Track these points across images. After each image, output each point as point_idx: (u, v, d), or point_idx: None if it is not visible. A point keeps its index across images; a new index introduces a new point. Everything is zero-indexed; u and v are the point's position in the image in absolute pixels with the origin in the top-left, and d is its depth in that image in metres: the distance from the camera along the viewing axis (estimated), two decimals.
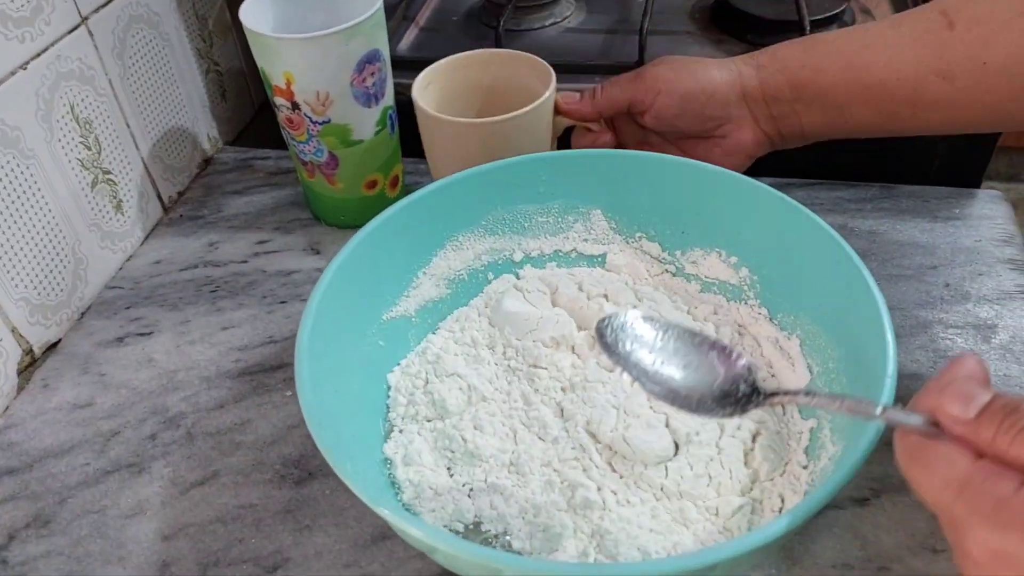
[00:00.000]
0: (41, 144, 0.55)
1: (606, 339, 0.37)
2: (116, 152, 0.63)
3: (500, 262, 0.56)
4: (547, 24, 0.77)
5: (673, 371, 0.37)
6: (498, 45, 0.70)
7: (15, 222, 0.54)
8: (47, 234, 0.56)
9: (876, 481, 0.46)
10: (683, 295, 0.54)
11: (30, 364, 0.56)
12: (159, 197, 0.68)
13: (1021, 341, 0.53)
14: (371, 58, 0.56)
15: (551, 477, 0.44)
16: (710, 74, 0.55)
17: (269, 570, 0.44)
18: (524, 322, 0.51)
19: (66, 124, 0.57)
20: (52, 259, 0.57)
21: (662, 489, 0.43)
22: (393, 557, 0.44)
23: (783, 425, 0.46)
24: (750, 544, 0.33)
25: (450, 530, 0.43)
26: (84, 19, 0.58)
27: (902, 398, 0.33)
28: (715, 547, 0.34)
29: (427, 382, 0.50)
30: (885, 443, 0.37)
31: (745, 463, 0.44)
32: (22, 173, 0.54)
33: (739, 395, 0.36)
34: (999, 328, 0.54)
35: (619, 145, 0.59)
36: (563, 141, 0.61)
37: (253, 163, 0.74)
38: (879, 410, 0.31)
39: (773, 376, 0.49)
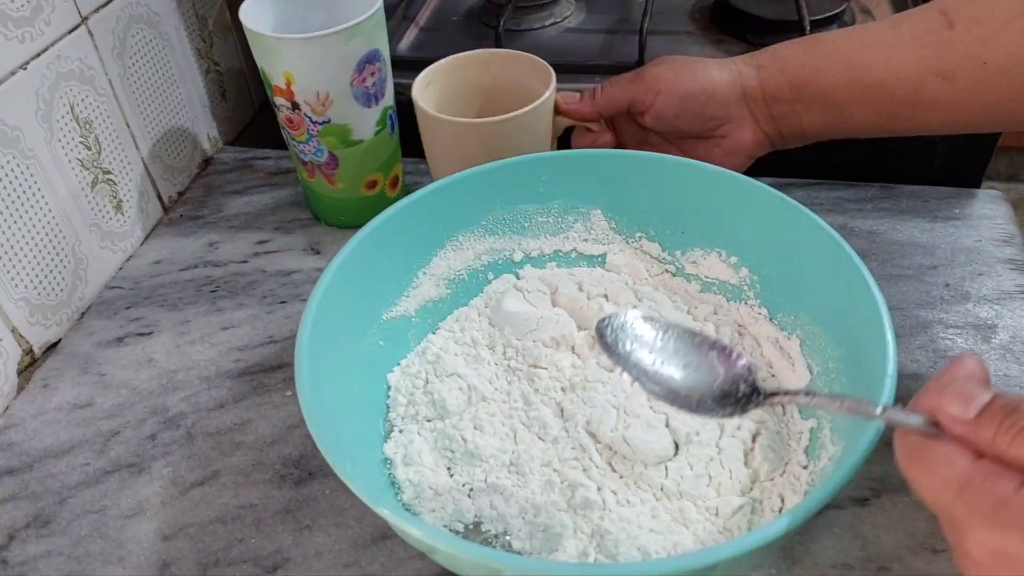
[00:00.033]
0: (41, 144, 0.55)
1: (606, 339, 0.37)
2: (116, 152, 0.63)
3: (500, 262, 0.56)
4: (547, 24, 0.77)
5: (673, 371, 0.37)
6: (498, 45, 0.70)
7: (15, 222, 0.54)
8: (47, 234, 0.56)
9: (876, 481, 0.46)
10: (683, 295, 0.54)
11: (30, 364, 0.56)
12: (159, 197, 0.68)
13: (1021, 341, 0.53)
14: (371, 58, 0.56)
15: (551, 477, 0.44)
16: (710, 74, 0.55)
17: (269, 570, 0.44)
18: (524, 322, 0.51)
19: (66, 124, 0.57)
20: (52, 259, 0.57)
21: (662, 489, 0.43)
22: (393, 557, 0.44)
23: (783, 425, 0.46)
24: (750, 544, 0.33)
25: (450, 530, 0.43)
26: (84, 19, 0.58)
27: (902, 398, 0.33)
28: (715, 547, 0.34)
29: (427, 382, 0.50)
30: (885, 443, 0.37)
31: (745, 463, 0.44)
32: (22, 173, 0.54)
33: (739, 395, 0.36)
34: (999, 328, 0.54)
35: (619, 145, 0.59)
36: (563, 141, 0.61)
37: (253, 163, 0.74)
38: (879, 410, 0.31)
39: (773, 376, 0.49)
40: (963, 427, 0.28)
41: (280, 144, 0.65)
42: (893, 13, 0.72)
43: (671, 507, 0.42)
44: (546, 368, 0.49)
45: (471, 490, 0.44)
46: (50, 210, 0.56)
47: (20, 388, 0.55)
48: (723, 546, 0.34)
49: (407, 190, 0.66)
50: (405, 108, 0.60)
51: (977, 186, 0.67)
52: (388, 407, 0.49)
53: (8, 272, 0.53)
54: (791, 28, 0.68)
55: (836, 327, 0.45)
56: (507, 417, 0.47)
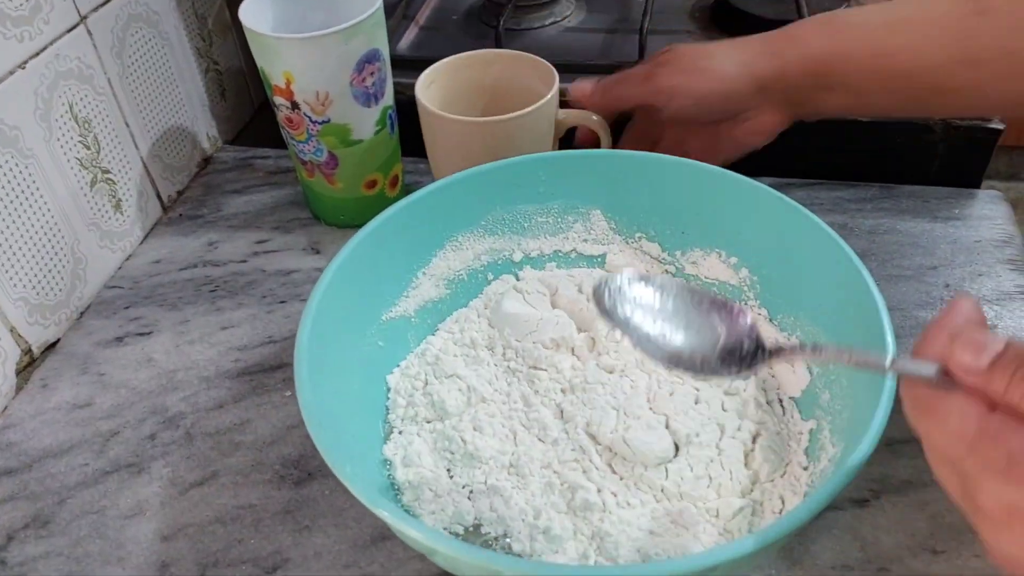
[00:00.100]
0: (40, 143, 0.55)
1: (604, 304, 0.36)
2: (115, 151, 0.63)
3: (500, 262, 0.55)
4: (547, 23, 0.77)
5: (675, 333, 0.35)
6: (498, 44, 0.70)
7: (14, 222, 0.54)
8: (46, 233, 0.56)
9: (876, 482, 0.46)
10: None
11: (29, 364, 0.56)
12: (158, 196, 0.68)
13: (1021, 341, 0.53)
14: (371, 58, 0.56)
15: (551, 479, 0.44)
16: (723, 71, 0.53)
17: (268, 571, 0.44)
18: (524, 323, 0.51)
19: (65, 123, 0.57)
20: (51, 259, 0.57)
21: (662, 491, 0.43)
22: (393, 558, 0.44)
23: (783, 426, 0.46)
24: (750, 546, 0.33)
25: (450, 532, 0.43)
26: (83, 18, 0.58)
27: (902, 398, 0.33)
28: (715, 549, 0.34)
29: (427, 383, 0.50)
30: (885, 443, 0.37)
31: (745, 464, 0.44)
32: (21, 172, 0.54)
33: (743, 353, 0.34)
34: (999, 328, 0.54)
35: (636, 133, 0.59)
36: (564, 142, 0.61)
37: (253, 162, 0.73)
38: (888, 361, 0.30)
39: (773, 377, 0.48)
40: (975, 377, 0.27)
41: (280, 143, 0.64)
42: None
43: (671, 509, 0.42)
44: (546, 369, 0.49)
45: (471, 492, 0.44)
46: (49, 209, 0.56)
47: (19, 388, 0.55)
48: (723, 548, 0.34)
49: (407, 190, 0.66)
50: (405, 108, 0.60)
51: (977, 186, 0.67)
52: (388, 408, 0.49)
53: (7, 272, 0.53)
54: None
55: (836, 328, 0.45)
56: (507, 419, 0.47)
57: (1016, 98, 0.49)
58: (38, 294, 0.56)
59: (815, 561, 0.43)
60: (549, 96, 0.56)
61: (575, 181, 0.54)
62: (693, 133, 0.57)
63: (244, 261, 0.63)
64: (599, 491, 0.43)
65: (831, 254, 0.45)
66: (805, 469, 0.43)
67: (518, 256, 0.56)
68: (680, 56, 0.55)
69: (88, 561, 0.45)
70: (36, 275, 0.56)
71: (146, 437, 0.51)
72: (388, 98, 0.60)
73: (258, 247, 0.64)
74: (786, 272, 0.49)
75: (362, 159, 0.60)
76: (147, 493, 0.48)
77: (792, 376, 0.48)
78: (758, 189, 0.49)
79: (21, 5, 0.53)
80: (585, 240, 0.56)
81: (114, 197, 0.63)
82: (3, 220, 0.53)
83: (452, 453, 0.46)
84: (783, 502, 0.42)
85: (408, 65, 0.62)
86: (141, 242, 0.66)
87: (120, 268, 0.64)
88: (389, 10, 0.60)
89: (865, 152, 0.67)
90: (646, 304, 0.36)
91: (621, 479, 0.44)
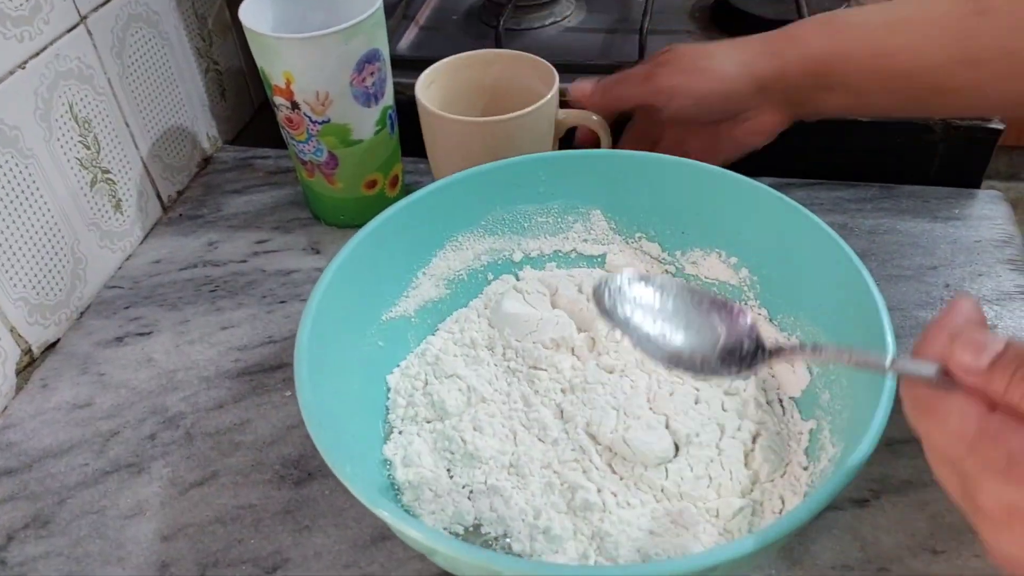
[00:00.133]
0: (40, 143, 0.55)
1: (604, 304, 0.35)
2: (115, 151, 0.63)
3: (500, 262, 0.55)
4: (547, 23, 0.77)
5: (675, 333, 0.35)
6: (498, 44, 0.70)
7: (13, 222, 0.54)
8: (46, 233, 0.56)
9: (876, 482, 0.46)
10: None
11: (29, 364, 0.56)
12: (158, 196, 0.68)
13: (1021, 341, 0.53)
14: (371, 57, 0.56)
15: (551, 479, 0.44)
16: (723, 71, 0.53)
17: (268, 571, 0.44)
18: (524, 323, 0.51)
19: (65, 123, 0.57)
20: (51, 259, 0.57)
21: (662, 490, 0.43)
22: (393, 558, 0.44)
23: (783, 426, 0.46)
24: (750, 547, 0.33)
25: (450, 532, 0.43)
26: (83, 18, 0.58)
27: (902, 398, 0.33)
28: (715, 549, 0.34)
29: (426, 383, 0.49)
30: (885, 444, 0.37)
31: (745, 464, 0.44)
32: (21, 172, 0.54)
33: (743, 353, 0.34)
34: (999, 329, 0.54)
35: (635, 131, 0.59)
36: (564, 142, 0.61)
37: (253, 162, 0.73)
38: (888, 361, 0.30)
39: (773, 377, 0.48)
40: (975, 377, 0.27)
41: (280, 143, 0.64)
42: None
43: (671, 509, 0.42)
44: (546, 369, 0.49)
45: (471, 492, 0.44)
46: (49, 209, 0.56)
47: (19, 388, 0.55)
48: (723, 548, 0.34)
49: (407, 190, 0.66)
50: (405, 107, 0.60)
51: (977, 186, 0.67)
52: (388, 408, 0.49)
53: (7, 272, 0.53)
54: None
55: (836, 328, 0.45)
56: (507, 418, 0.47)
57: (1016, 98, 0.49)
58: (38, 294, 0.56)
59: (815, 561, 0.43)
60: (549, 96, 0.56)
61: (575, 181, 0.54)
62: (693, 133, 0.57)
63: (244, 261, 0.63)
64: (599, 491, 0.43)
65: (831, 254, 0.45)
66: (805, 469, 0.43)
67: (518, 256, 0.56)
68: (680, 56, 0.55)
69: (88, 561, 0.45)
70: (36, 275, 0.56)
71: (146, 437, 0.51)
72: (388, 98, 0.60)
73: (258, 247, 0.64)
74: (786, 272, 0.49)
75: (362, 159, 0.60)
76: (147, 493, 0.48)
77: (792, 376, 0.48)
78: (758, 189, 0.49)
79: (21, 5, 0.53)
80: (585, 240, 0.56)
81: (114, 197, 0.63)
82: (3, 220, 0.53)
83: (452, 453, 0.46)
84: (783, 502, 0.42)
85: (408, 65, 0.62)
86: (141, 242, 0.66)
87: (120, 268, 0.64)
88: (389, 10, 0.60)
89: (865, 152, 0.67)
90: (646, 304, 0.36)
91: (621, 479, 0.44)
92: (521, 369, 0.49)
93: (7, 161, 0.53)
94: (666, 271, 0.55)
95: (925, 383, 0.29)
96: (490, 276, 0.55)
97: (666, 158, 0.53)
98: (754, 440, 0.45)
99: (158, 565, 0.44)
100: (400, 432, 0.47)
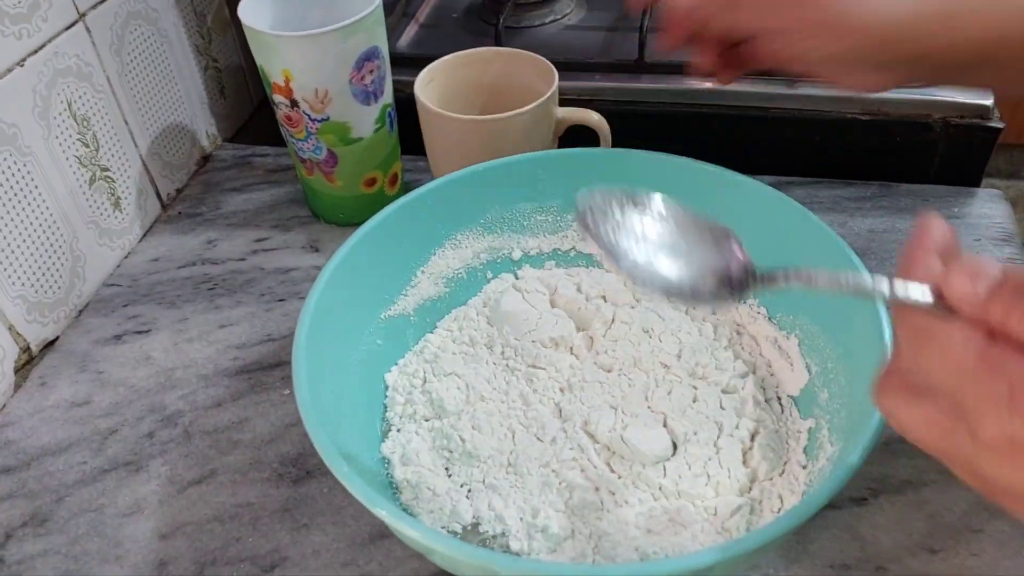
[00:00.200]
0: (38, 141, 0.55)
1: (590, 228, 0.34)
2: (114, 149, 0.63)
3: (499, 261, 0.55)
4: (547, 21, 0.77)
5: (664, 259, 0.34)
6: (498, 42, 0.70)
7: (12, 219, 0.53)
8: (45, 231, 0.56)
9: (874, 481, 0.46)
10: None
11: (27, 362, 0.56)
12: (157, 194, 0.68)
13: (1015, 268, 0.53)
14: (370, 55, 0.56)
15: (549, 477, 0.44)
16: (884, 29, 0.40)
17: (267, 569, 0.44)
18: (523, 322, 0.51)
19: (64, 121, 0.57)
20: (50, 256, 0.57)
21: (660, 489, 0.43)
22: (391, 556, 0.44)
23: (782, 424, 0.46)
24: (748, 545, 0.33)
25: (448, 531, 0.43)
26: (82, 15, 0.58)
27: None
28: (713, 548, 0.34)
29: (425, 381, 0.49)
30: (884, 443, 0.37)
31: (744, 463, 0.44)
32: (19, 170, 0.54)
33: (734, 279, 0.33)
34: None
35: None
36: (564, 140, 0.61)
37: (252, 160, 0.73)
38: (886, 286, 0.28)
39: (772, 376, 0.48)
40: (973, 307, 0.27)
41: (279, 141, 0.64)
42: None
43: (669, 507, 0.42)
44: (544, 368, 0.49)
45: (469, 490, 0.44)
46: (47, 207, 0.56)
47: (17, 386, 0.55)
48: (721, 547, 0.33)
49: (406, 188, 0.66)
50: (404, 106, 0.60)
51: (977, 185, 0.67)
52: (386, 406, 0.49)
53: (5, 270, 0.53)
54: None
55: (835, 327, 0.45)
56: (505, 417, 0.47)
57: None
58: (36, 292, 0.56)
59: (813, 560, 0.43)
60: (549, 94, 0.56)
61: (574, 180, 0.54)
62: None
63: (243, 259, 0.63)
64: (597, 490, 0.43)
65: (830, 253, 0.45)
66: (804, 468, 0.43)
67: (517, 254, 0.56)
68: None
69: (86, 559, 0.45)
70: (35, 273, 0.56)
71: (144, 435, 0.51)
72: (387, 96, 0.60)
73: (257, 245, 0.64)
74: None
75: (361, 157, 0.60)
76: (145, 491, 0.48)
77: (791, 374, 0.48)
78: (758, 188, 0.49)
79: (19, 2, 0.52)
80: (584, 239, 0.56)
81: (113, 195, 0.63)
82: (1, 218, 0.53)
83: (450, 451, 0.46)
84: (781, 501, 0.42)
85: (407, 63, 0.62)
86: (140, 240, 0.66)
87: (119, 266, 0.63)
88: (388, 8, 0.60)
89: (865, 150, 0.67)
90: (633, 229, 0.34)
91: (619, 477, 0.44)
92: (520, 367, 0.49)
93: (5, 159, 0.52)
94: None
95: (921, 311, 0.27)
96: (489, 274, 0.55)
97: (666, 157, 0.52)
98: (752, 438, 0.45)
99: (156, 563, 0.44)
100: (398, 430, 0.47)
